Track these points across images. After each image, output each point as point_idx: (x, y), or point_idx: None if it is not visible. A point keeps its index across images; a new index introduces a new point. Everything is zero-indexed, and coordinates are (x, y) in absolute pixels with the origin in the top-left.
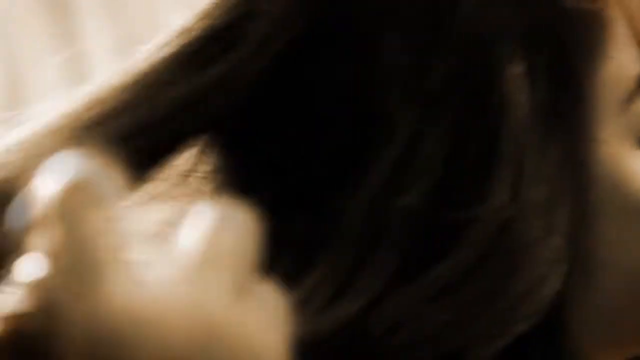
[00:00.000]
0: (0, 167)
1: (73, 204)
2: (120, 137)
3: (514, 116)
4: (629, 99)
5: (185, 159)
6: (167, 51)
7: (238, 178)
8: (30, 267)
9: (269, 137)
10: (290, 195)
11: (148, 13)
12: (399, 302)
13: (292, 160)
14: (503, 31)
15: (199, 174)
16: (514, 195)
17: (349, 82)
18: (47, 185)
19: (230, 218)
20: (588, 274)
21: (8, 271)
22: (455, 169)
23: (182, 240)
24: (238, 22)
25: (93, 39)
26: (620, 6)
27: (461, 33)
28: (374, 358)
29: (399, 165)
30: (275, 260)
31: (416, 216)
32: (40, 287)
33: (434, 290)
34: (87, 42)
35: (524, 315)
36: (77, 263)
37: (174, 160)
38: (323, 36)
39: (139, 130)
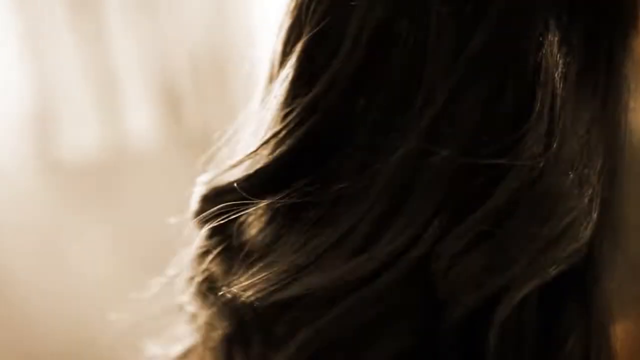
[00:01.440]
0: None
1: None
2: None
3: (549, 80)
4: None
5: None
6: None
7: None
8: None
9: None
10: (334, 148)
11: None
12: (438, 248)
13: (343, 115)
14: (540, 1)
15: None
16: (546, 149)
17: (403, 46)
18: None
19: None
20: (617, 234)
21: None
22: (491, 125)
23: None
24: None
25: (120, 40)
26: None
27: (502, 4)
28: (416, 305)
29: (438, 121)
30: (314, 206)
31: (452, 166)
32: None
33: (471, 236)
34: (114, 43)
35: (556, 259)
36: None
37: None
38: (391, 13)
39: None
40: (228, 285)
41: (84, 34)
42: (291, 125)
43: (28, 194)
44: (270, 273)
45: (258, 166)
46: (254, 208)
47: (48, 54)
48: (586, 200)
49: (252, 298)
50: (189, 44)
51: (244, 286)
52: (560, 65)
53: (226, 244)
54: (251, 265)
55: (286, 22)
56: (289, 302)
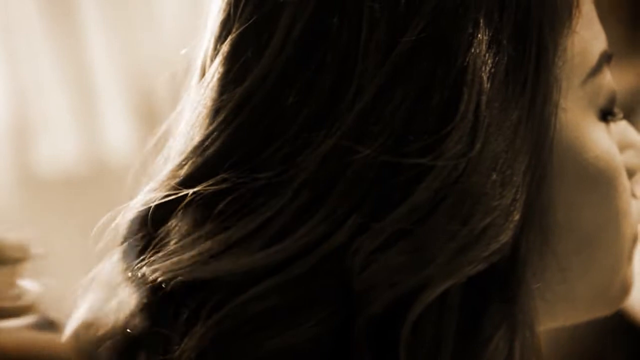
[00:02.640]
0: None
1: None
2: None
3: (475, 79)
4: (592, 73)
5: None
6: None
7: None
8: None
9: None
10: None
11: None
12: (356, 245)
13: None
14: (471, 1)
15: None
16: (468, 149)
17: (333, 42)
18: None
19: None
20: (544, 234)
21: None
22: (416, 124)
23: None
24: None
25: (98, 51)
26: None
27: (434, 1)
28: (328, 299)
29: (364, 118)
30: (233, 202)
31: (374, 163)
32: None
33: (390, 233)
34: (92, 54)
35: (475, 259)
36: None
37: None
38: (323, 8)
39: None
40: (139, 266)
41: (61, 46)
42: (221, 122)
43: (5, 206)
44: (181, 256)
45: (188, 161)
46: (175, 196)
47: (25, 66)
48: (508, 201)
49: (160, 278)
50: (167, 54)
51: (154, 268)
52: (489, 65)
53: (146, 232)
54: (163, 248)
55: (217, 19)
56: (198, 285)
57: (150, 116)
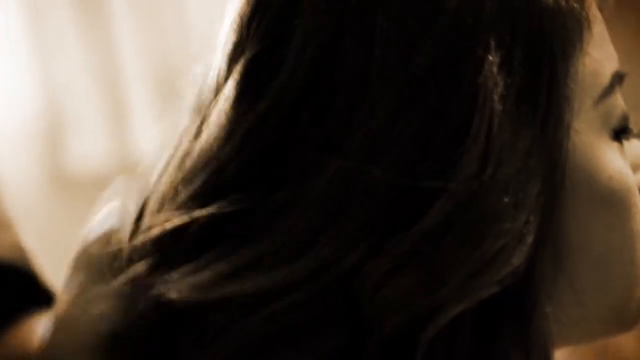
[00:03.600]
0: None
1: None
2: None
3: (487, 102)
4: (604, 94)
5: None
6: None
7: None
8: None
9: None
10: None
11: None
12: (368, 267)
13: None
14: (483, 24)
15: None
16: (481, 172)
17: (346, 64)
18: None
19: None
20: (558, 256)
21: None
22: (428, 147)
23: None
24: (279, 43)
25: (128, 50)
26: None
27: (446, 23)
28: (339, 321)
29: (376, 140)
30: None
31: (386, 185)
32: None
33: (402, 256)
34: (122, 53)
35: (488, 282)
36: None
37: None
38: (335, 31)
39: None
40: (153, 284)
41: (92, 48)
42: (235, 144)
43: (36, 206)
44: (195, 277)
45: (203, 181)
46: (189, 217)
47: (56, 67)
48: (522, 223)
49: (173, 297)
50: (195, 53)
51: (167, 287)
52: (501, 87)
53: (160, 248)
54: (177, 268)
55: (230, 39)
56: (210, 305)
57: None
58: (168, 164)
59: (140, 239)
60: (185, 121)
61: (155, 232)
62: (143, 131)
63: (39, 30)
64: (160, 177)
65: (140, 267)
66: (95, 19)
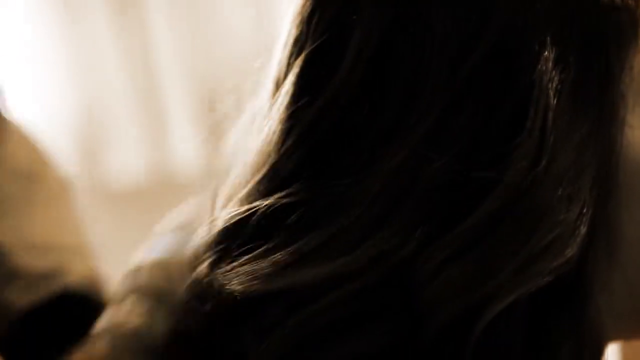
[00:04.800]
0: None
1: None
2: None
3: (542, 96)
4: None
5: None
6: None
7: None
8: None
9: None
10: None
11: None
12: (425, 256)
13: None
14: (539, 19)
15: None
16: (535, 164)
17: (403, 60)
18: None
19: None
20: (610, 248)
21: None
22: (483, 139)
23: None
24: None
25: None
26: None
27: (503, 19)
28: (395, 308)
29: (433, 132)
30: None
31: (444, 176)
32: None
33: (458, 245)
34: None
35: (541, 271)
36: None
37: None
38: (393, 26)
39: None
40: (215, 274)
41: (130, 60)
42: (295, 138)
43: None
44: (255, 267)
45: (263, 175)
46: (249, 209)
47: (94, 79)
48: (575, 215)
49: (236, 287)
50: (236, 63)
51: (228, 277)
52: (555, 82)
53: (222, 241)
54: (237, 259)
55: (291, 35)
56: (273, 294)
57: (218, 129)
58: (234, 163)
59: (205, 233)
60: (230, 128)
61: (218, 226)
62: (182, 142)
63: (78, 42)
64: (229, 175)
65: (203, 264)
66: (133, 29)
